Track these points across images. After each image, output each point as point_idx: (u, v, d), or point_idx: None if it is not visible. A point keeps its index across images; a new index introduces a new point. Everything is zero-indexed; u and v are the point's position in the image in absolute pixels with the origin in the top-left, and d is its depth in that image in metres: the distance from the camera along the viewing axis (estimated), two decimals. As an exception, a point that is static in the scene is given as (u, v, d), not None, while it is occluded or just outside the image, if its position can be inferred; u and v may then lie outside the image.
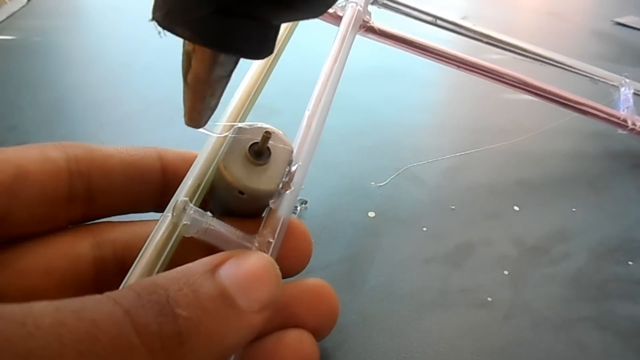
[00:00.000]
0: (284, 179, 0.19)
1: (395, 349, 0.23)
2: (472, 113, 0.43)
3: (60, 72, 0.47)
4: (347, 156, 0.37)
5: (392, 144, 0.37)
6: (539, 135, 0.39)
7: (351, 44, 0.27)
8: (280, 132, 0.20)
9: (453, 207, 0.32)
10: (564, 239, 0.30)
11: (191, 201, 0.17)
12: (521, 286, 0.26)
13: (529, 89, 0.34)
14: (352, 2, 0.30)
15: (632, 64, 0.53)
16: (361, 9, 0.30)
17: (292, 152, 0.19)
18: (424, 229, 0.30)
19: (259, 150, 0.19)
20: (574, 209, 0.32)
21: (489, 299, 0.26)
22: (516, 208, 0.32)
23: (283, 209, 0.19)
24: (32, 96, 0.43)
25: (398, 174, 0.34)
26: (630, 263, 0.28)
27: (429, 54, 0.33)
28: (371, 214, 0.31)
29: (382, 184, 0.33)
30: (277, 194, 0.19)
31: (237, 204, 0.19)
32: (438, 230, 0.30)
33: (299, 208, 0.31)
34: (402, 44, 0.32)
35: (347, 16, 0.29)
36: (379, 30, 0.31)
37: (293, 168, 0.19)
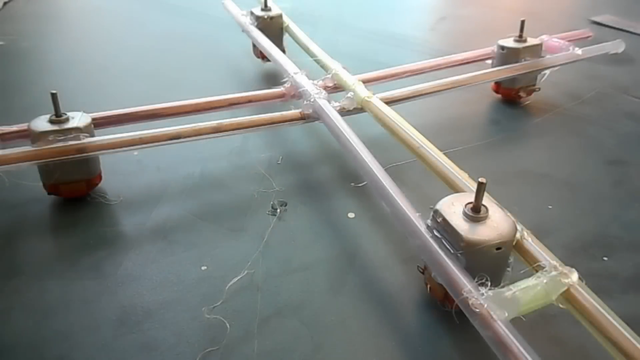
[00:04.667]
0: None
1: (374, 348, 0.23)
2: (450, 113, 0.43)
3: (35, 77, 0.47)
4: (326, 157, 0.37)
5: (371, 145, 0.37)
6: (515, 134, 0.39)
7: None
8: None
9: (432, 206, 0.32)
10: (539, 235, 0.30)
11: None
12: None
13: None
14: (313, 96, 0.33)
15: (606, 63, 0.54)
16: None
17: None
18: (403, 228, 0.30)
19: None
20: (549, 206, 0.32)
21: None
22: (494, 206, 0.32)
23: None
24: (7, 102, 0.42)
25: (377, 174, 0.34)
26: (605, 258, 0.29)
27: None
28: (351, 215, 0.31)
29: (361, 184, 0.34)
30: None
31: None
32: (417, 229, 0.30)
33: (278, 210, 0.31)
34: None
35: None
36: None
37: None
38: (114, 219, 0.31)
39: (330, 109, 0.33)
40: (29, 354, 0.23)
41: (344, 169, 0.35)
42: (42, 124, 0.30)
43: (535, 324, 0.25)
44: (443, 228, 0.23)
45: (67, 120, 0.30)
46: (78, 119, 0.31)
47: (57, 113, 0.30)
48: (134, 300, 0.25)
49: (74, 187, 0.31)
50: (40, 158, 0.29)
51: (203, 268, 0.27)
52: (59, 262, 0.28)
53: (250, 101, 0.36)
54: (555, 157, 0.37)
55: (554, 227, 0.31)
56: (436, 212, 0.23)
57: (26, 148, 0.29)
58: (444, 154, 0.36)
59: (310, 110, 0.34)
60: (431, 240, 0.23)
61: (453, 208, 0.23)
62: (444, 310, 0.25)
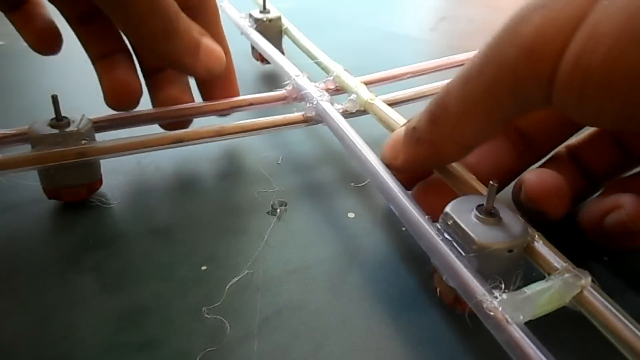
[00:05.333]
0: None
1: (375, 349, 0.23)
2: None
3: (35, 78, 0.47)
4: (326, 157, 0.37)
5: (371, 144, 0.37)
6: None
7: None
8: None
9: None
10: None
11: None
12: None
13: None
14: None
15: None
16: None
17: None
18: (403, 228, 0.30)
19: None
20: (550, 206, 0.32)
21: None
22: (494, 206, 0.32)
23: None
24: (7, 102, 0.42)
25: (377, 174, 0.34)
26: (605, 258, 0.29)
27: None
28: (351, 215, 0.31)
29: (361, 184, 0.34)
30: None
31: None
32: (417, 229, 0.30)
33: (278, 210, 0.31)
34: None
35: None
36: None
37: None
38: (114, 218, 0.31)
39: (333, 112, 0.32)
40: (29, 354, 0.23)
41: (344, 169, 0.35)
42: (42, 127, 0.29)
43: (541, 326, 0.25)
44: (454, 230, 0.22)
45: (68, 123, 0.29)
46: (78, 122, 0.30)
47: (58, 116, 0.29)
48: (134, 300, 0.25)
49: (74, 192, 0.30)
50: (40, 162, 0.28)
51: (203, 268, 0.27)
52: (59, 262, 0.28)
53: (252, 104, 0.36)
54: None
55: (554, 226, 0.31)
56: (446, 214, 0.23)
57: (26, 152, 0.29)
58: (444, 154, 0.36)
59: (313, 113, 0.33)
60: (442, 243, 0.22)
61: (464, 210, 0.22)
62: (445, 310, 0.25)
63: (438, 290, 0.24)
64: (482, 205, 0.22)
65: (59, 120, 0.29)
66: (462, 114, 0.21)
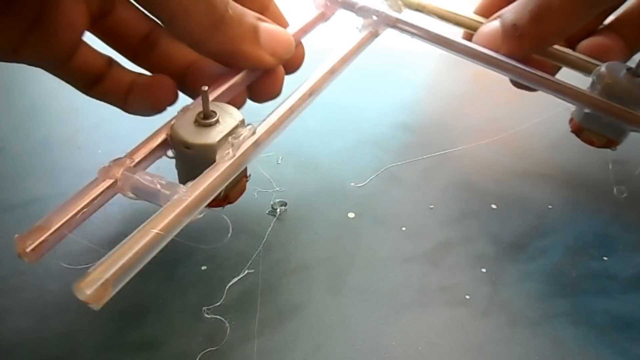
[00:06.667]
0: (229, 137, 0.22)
1: (375, 348, 0.23)
2: (450, 113, 0.43)
3: (34, 76, 0.47)
4: (326, 157, 0.37)
5: (371, 145, 0.37)
6: (515, 133, 0.39)
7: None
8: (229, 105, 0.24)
9: (432, 206, 0.32)
10: (540, 235, 0.30)
11: None
12: (499, 283, 0.27)
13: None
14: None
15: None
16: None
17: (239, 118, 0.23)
18: (403, 228, 0.30)
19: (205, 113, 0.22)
20: (549, 206, 0.32)
21: (467, 296, 0.26)
22: (494, 206, 0.32)
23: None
24: (7, 101, 0.42)
25: (377, 174, 0.34)
26: (605, 258, 0.29)
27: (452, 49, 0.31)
28: (351, 215, 0.31)
29: (361, 184, 0.34)
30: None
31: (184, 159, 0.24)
32: (417, 229, 0.30)
33: (278, 210, 0.31)
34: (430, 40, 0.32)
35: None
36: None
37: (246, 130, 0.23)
38: (114, 218, 0.31)
39: (414, 21, 0.31)
40: (29, 354, 0.23)
41: (344, 168, 0.35)
42: (192, 128, 0.23)
43: (536, 324, 0.25)
44: (621, 92, 0.27)
45: (219, 118, 0.24)
46: (227, 110, 0.24)
47: (207, 114, 0.23)
48: (133, 300, 0.25)
49: (239, 188, 0.26)
50: (238, 170, 0.23)
51: (203, 268, 0.27)
52: (58, 262, 0.28)
53: (306, 31, 0.33)
54: (556, 157, 0.37)
55: (555, 227, 0.31)
56: (606, 84, 0.27)
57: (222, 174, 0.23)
58: (444, 153, 0.36)
59: (381, 26, 0.32)
60: (617, 104, 0.27)
61: (619, 75, 0.27)
62: (444, 310, 0.25)
63: (589, 141, 0.30)
64: (631, 69, 0.27)
65: (207, 118, 0.23)
66: (568, 10, 0.25)
